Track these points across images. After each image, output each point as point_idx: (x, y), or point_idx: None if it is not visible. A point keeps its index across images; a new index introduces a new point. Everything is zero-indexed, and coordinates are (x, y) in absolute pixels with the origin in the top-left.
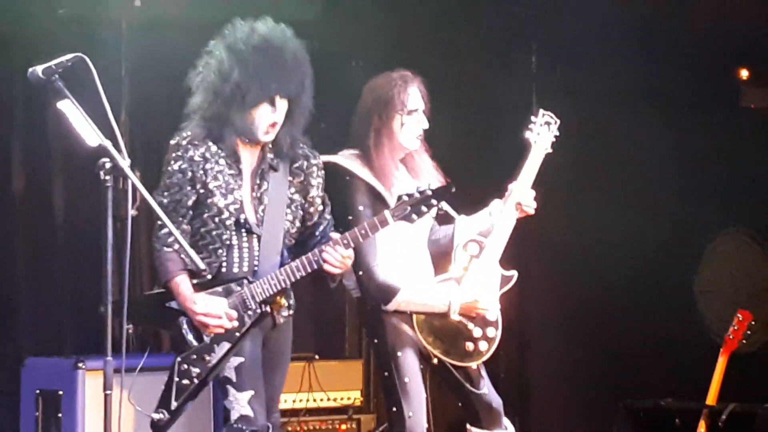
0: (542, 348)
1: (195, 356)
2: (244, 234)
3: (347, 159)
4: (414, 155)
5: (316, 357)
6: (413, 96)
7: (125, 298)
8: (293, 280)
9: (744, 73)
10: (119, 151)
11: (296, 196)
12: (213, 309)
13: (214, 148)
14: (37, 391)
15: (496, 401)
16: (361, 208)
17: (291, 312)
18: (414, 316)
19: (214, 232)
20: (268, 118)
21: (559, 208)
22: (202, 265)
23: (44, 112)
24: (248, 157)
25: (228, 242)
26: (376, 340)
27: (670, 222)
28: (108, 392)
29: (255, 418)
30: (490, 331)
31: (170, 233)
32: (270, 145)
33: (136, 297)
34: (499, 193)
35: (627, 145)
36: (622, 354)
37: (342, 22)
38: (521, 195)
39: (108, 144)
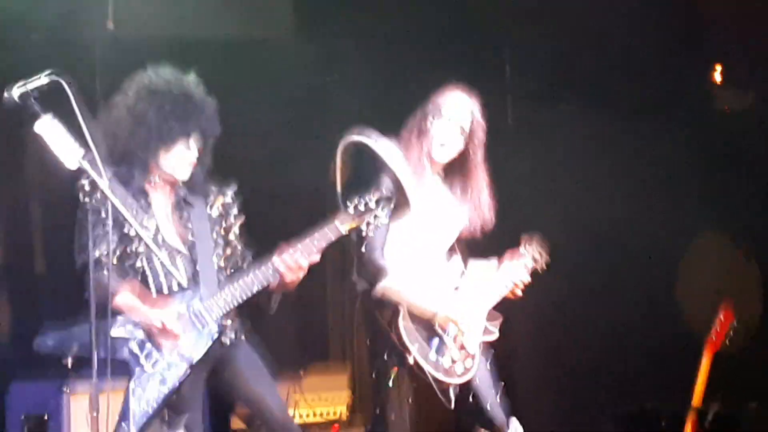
0: (526, 357)
1: (151, 380)
2: (167, 257)
3: (383, 143)
4: (469, 176)
5: (302, 373)
6: (451, 104)
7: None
8: (250, 294)
9: (718, 77)
10: (98, 171)
11: (216, 228)
12: (168, 318)
13: (128, 191)
14: (23, 417)
15: (496, 407)
16: (383, 191)
17: (235, 333)
18: (402, 311)
19: (133, 262)
20: (185, 157)
21: (539, 211)
22: (173, 271)
23: (19, 136)
24: (160, 197)
25: (149, 269)
26: (368, 341)
27: (651, 225)
28: (95, 414)
29: None
30: (468, 362)
31: (104, 261)
32: (181, 183)
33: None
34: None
35: (606, 149)
36: (604, 359)
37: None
38: (522, 275)
39: (89, 160)
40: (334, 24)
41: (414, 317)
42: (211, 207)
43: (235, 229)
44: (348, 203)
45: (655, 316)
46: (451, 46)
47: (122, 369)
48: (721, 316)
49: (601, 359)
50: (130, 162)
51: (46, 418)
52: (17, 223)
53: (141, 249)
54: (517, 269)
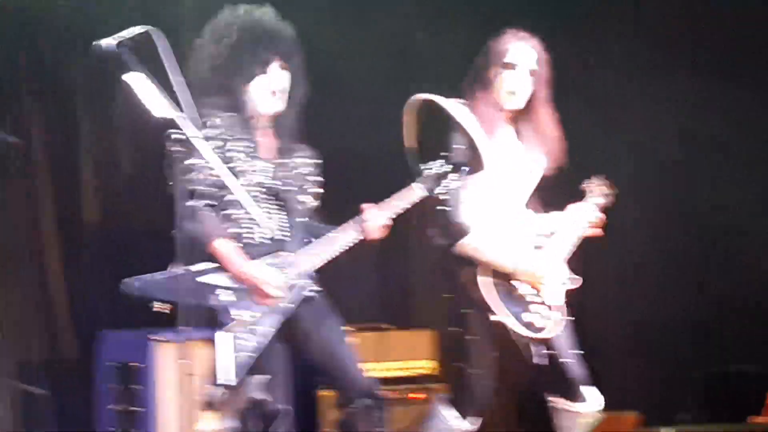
0: (614, 318)
1: (245, 330)
2: (265, 203)
3: (451, 102)
4: (533, 118)
5: (386, 327)
6: (514, 50)
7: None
8: (339, 250)
9: None
10: (188, 123)
11: (303, 178)
12: (270, 278)
13: (234, 124)
14: (113, 364)
15: (576, 373)
16: (459, 145)
17: (317, 291)
18: (482, 269)
19: (233, 198)
20: (265, 85)
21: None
22: (264, 221)
23: (110, 85)
24: (264, 138)
25: (245, 210)
26: (449, 295)
27: (751, 189)
28: (183, 361)
29: (269, 402)
30: (550, 313)
31: (206, 193)
32: (278, 128)
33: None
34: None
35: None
36: (698, 321)
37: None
38: (593, 214)
39: (182, 115)
40: None
41: (495, 273)
42: (299, 158)
43: (312, 187)
44: (425, 166)
45: (750, 279)
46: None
47: (212, 317)
48: None
49: (694, 322)
50: (224, 105)
51: (134, 365)
52: (107, 173)
53: (237, 197)
54: (586, 209)
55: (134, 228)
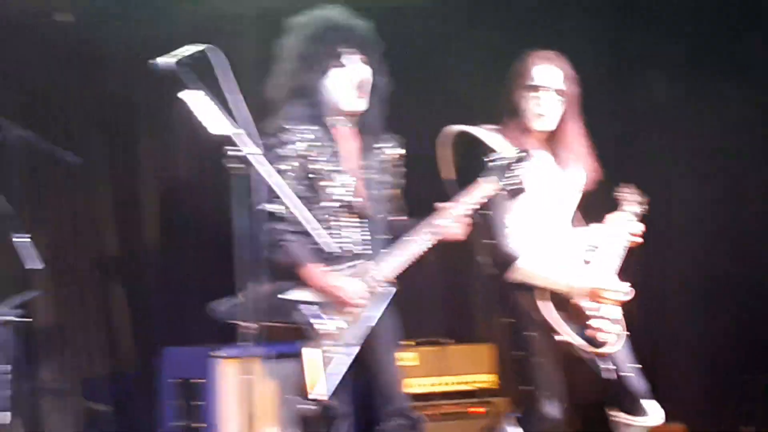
0: (672, 325)
1: (334, 343)
2: (354, 217)
3: (483, 130)
4: (566, 137)
5: (447, 341)
6: (539, 72)
7: (253, 290)
8: (417, 253)
9: None
10: (246, 139)
11: (387, 179)
12: (353, 288)
13: (312, 127)
14: (176, 380)
15: (637, 386)
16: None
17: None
18: (539, 292)
19: (322, 215)
20: (343, 78)
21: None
22: (333, 248)
23: (169, 103)
24: (346, 138)
25: (336, 224)
26: (507, 319)
27: None
28: (246, 377)
29: (335, 405)
30: (611, 327)
31: (287, 219)
32: (361, 125)
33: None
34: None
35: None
36: (755, 329)
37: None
38: (632, 224)
39: (240, 132)
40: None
41: (552, 294)
42: (381, 154)
43: (396, 182)
44: (488, 158)
45: None
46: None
47: (297, 333)
48: None
49: (752, 329)
50: (304, 105)
51: (196, 381)
52: (168, 190)
53: (329, 204)
54: (625, 219)
55: (195, 245)
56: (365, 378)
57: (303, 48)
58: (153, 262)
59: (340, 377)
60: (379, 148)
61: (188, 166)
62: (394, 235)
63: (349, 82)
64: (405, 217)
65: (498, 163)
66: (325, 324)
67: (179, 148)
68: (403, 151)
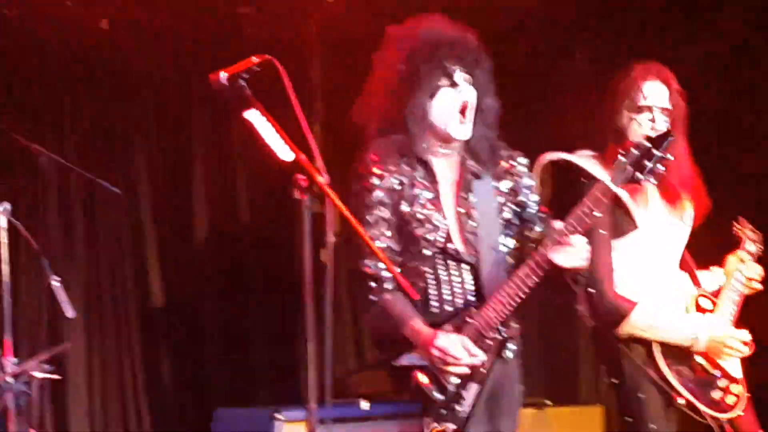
0: None
1: (444, 410)
2: (453, 264)
3: (583, 158)
4: (673, 165)
5: (549, 403)
6: (648, 90)
7: (326, 340)
8: (526, 290)
9: None
10: (315, 166)
11: (508, 205)
12: (454, 346)
13: (405, 166)
14: None
15: None
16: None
17: (517, 347)
18: (656, 347)
19: (415, 265)
20: (452, 99)
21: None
22: (416, 295)
23: (228, 123)
24: (445, 170)
25: (431, 276)
26: (615, 380)
27: None
28: None
29: None
30: (735, 388)
31: (383, 277)
32: (467, 152)
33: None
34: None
35: None
36: None
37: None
38: (753, 268)
39: (303, 158)
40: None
41: (671, 349)
42: (499, 178)
43: (532, 204)
44: (619, 156)
45: None
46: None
47: (411, 402)
48: None
49: None
50: (402, 125)
51: None
52: (229, 218)
53: (427, 252)
54: (743, 261)
55: (256, 291)
56: None
57: (407, 65)
58: (205, 310)
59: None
60: (500, 170)
61: (253, 198)
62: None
63: (459, 104)
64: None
65: (627, 159)
66: (431, 393)
67: (240, 178)
68: (524, 164)
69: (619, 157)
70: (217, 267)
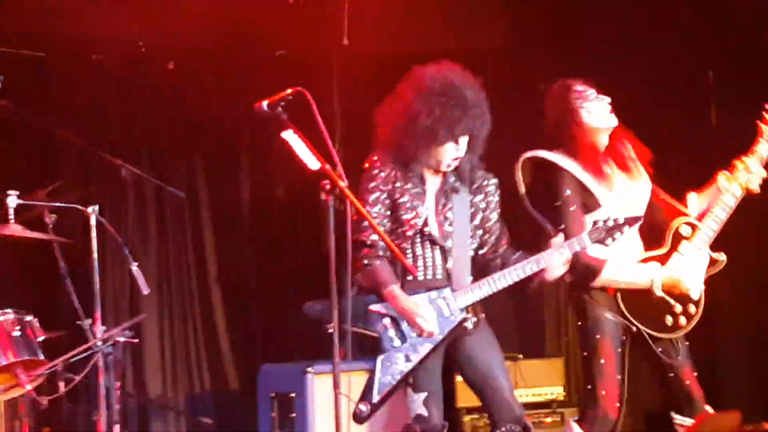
0: (732, 326)
1: (398, 355)
2: (428, 245)
3: (554, 155)
4: (618, 149)
5: (521, 356)
6: (581, 88)
7: (347, 307)
8: (503, 286)
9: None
10: (337, 173)
11: (478, 214)
12: (425, 313)
13: (402, 169)
14: (273, 394)
15: (697, 391)
16: (568, 192)
17: (476, 320)
18: (619, 293)
19: (399, 243)
20: (452, 153)
21: None
22: (415, 272)
23: (268, 140)
24: (432, 180)
25: (410, 252)
26: (579, 323)
27: None
28: (341, 393)
29: (429, 418)
30: (691, 308)
31: (377, 245)
32: (453, 171)
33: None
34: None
35: None
36: None
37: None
38: (751, 175)
39: (327, 167)
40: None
41: (633, 291)
42: (474, 194)
43: (494, 217)
44: (598, 222)
45: None
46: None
47: (374, 346)
48: None
49: None
50: (407, 154)
51: (292, 396)
52: (265, 220)
53: (409, 233)
54: (749, 170)
55: (291, 270)
56: (478, 391)
57: (429, 121)
58: (251, 286)
59: (390, 386)
60: (475, 188)
61: (288, 199)
62: (482, 269)
63: (454, 154)
64: (497, 257)
65: (605, 226)
66: (397, 340)
67: (278, 183)
68: (494, 185)
69: (599, 222)
70: (260, 252)
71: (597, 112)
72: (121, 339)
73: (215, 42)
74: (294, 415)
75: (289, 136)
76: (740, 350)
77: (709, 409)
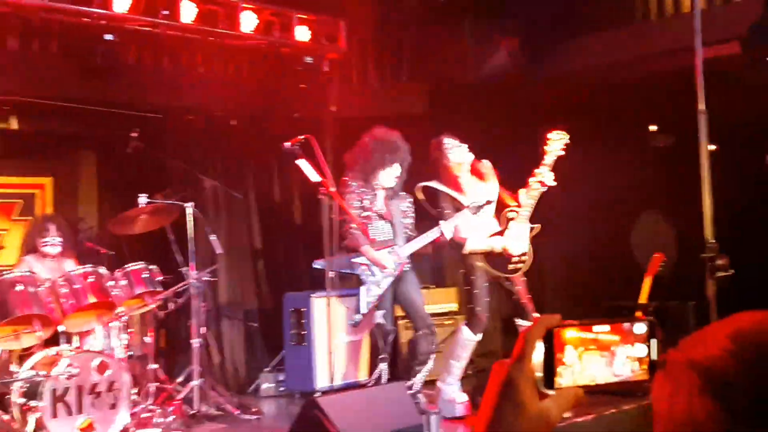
0: (549, 264)
1: (372, 286)
2: (383, 222)
3: (437, 184)
4: (475, 167)
5: (433, 286)
6: (447, 144)
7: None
8: (419, 245)
9: (652, 126)
10: (329, 183)
11: (403, 212)
12: (386, 259)
13: (365, 185)
14: (292, 310)
15: (530, 304)
16: (445, 204)
17: (410, 265)
18: (480, 256)
19: (365, 223)
20: (393, 174)
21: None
22: (372, 239)
23: (289, 165)
24: (381, 193)
25: (372, 228)
26: (462, 271)
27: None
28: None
29: (384, 325)
30: (525, 258)
31: (353, 224)
32: (391, 188)
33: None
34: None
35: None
36: (603, 269)
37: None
38: (544, 176)
39: (324, 180)
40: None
41: (486, 254)
42: (401, 201)
43: (411, 212)
44: (471, 205)
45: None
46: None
47: (356, 280)
48: (656, 255)
49: (600, 269)
50: (369, 175)
51: (303, 310)
52: (290, 207)
53: (374, 217)
54: (541, 174)
55: (305, 240)
56: (407, 307)
57: (380, 155)
58: (277, 249)
59: (373, 301)
60: (398, 200)
61: (300, 198)
62: (410, 237)
63: (392, 174)
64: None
65: (471, 208)
66: (371, 276)
67: (295, 190)
68: (409, 199)
69: (469, 204)
70: (285, 230)
71: (456, 153)
72: (205, 279)
73: (259, 106)
74: (304, 321)
75: (301, 163)
76: (555, 279)
77: (536, 315)
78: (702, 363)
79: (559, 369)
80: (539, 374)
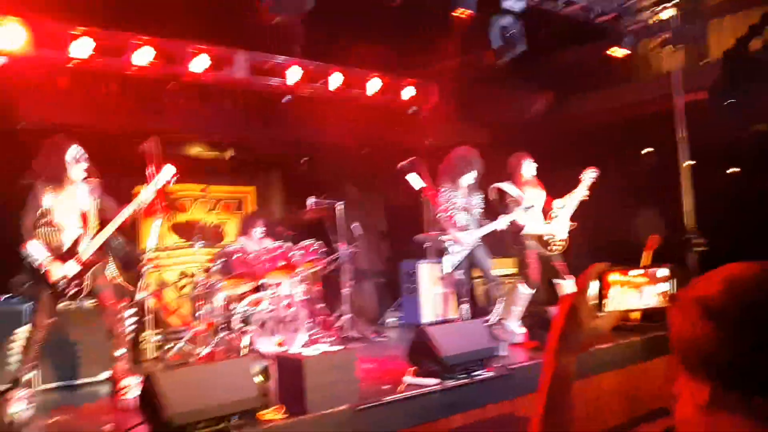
0: (581, 249)
1: (456, 254)
2: (464, 214)
3: (507, 186)
4: (535, 178)
5: (498, 257)
6: (527, 164)
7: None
8: (488, 231)
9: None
10: (429, 189)
11: (478, 206)
12: (464, 237)
13: (453, 190)
14: (405, 272)
15: (566, 272)
16: (510, 201)
17: (480, 243)
18: (535, 237)
19: (452, 215)
20: (470, 178)
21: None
22: (455, 225)
23: (402, 179)
24: (463, 190)
25: (457, 216)
26: (519, 247)
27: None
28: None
29: (463, 280)
30: (560, 242)
31: (443, 215)
32: (468, 188)
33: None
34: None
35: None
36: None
37: None
38: (583, 194)
39: (423, 186)
40: None
41: (538, 236)
42: (475, 198)
43: (481, 207)
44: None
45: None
46: None
47: (444, 252)
48: (652, 236)
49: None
50: (454, 179)
51: (413, 272)
52: (398, 209)
53: (457, 209)
54: (581, 190)
55: (412, 225)
56: (480, 268)
57: (461, 165)
58: (396, 232)
59: (455, 266)
60: (474, 196)
61: (407, 201)
62: (481, 223)
63: (471, 178)
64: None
65: (523, 207)
66: (454, 248)
67: (401, 195)
68: (480, 197)
69: (522, 207)
70: (400, 218)
71: (527, 167)
72: (350, 251)
73: (382, 140)
74: (414, 278)
75: (410, 176)
76: (580, 253)
77: (570, 276)
78: (703, 297)
79: (605, 300)
80: (593, 302)
